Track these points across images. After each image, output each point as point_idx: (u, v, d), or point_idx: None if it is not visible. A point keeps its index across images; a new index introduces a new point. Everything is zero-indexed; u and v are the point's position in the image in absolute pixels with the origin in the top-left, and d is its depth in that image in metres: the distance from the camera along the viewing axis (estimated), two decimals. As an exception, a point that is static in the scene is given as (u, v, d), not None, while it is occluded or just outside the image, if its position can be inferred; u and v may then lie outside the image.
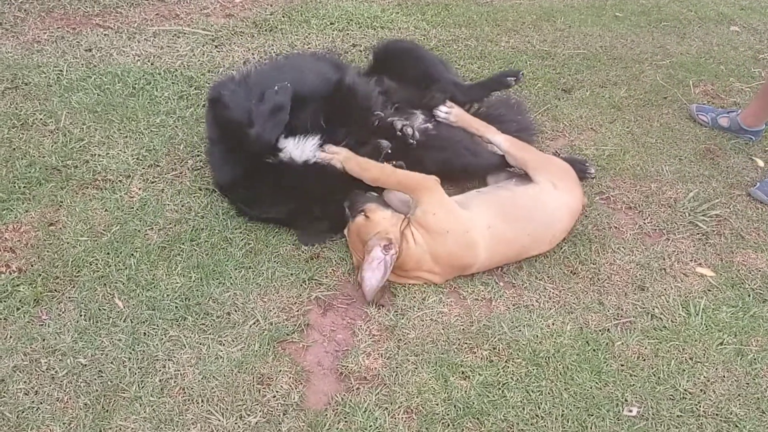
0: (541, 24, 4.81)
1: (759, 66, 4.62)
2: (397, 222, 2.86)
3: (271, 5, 4.61)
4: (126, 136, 3.36)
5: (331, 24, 4.47)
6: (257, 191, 2.97)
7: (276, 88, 2.92)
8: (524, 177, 3.20)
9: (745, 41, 4.95)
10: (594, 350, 2.70)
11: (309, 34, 4.34)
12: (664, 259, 3.15)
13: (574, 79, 4.25)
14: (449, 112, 3.31)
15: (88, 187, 3.08)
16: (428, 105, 3.30)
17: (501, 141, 3.26)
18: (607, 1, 5.27)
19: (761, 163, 3.74)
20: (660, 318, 2.87)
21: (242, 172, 2.94)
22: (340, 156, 2.96)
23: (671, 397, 2.57)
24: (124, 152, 3.27)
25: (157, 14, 4.40)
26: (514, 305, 2.87)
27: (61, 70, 3.73)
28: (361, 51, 4.23)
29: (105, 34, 4.12)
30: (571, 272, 3.05)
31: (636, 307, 2.92)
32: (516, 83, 3.52)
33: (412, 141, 3.06)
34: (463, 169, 3.24)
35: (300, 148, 2.91)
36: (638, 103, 4.12)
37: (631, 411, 2.53)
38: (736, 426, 2.51)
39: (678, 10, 5.26)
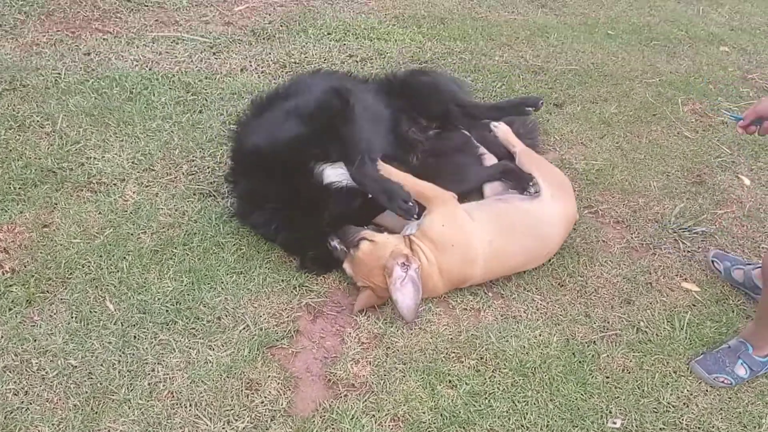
0: (534, 40, 4.88)
1: (747, 86, 4.70)
2: (400, 241, 2.88)
3: (270, 15, 4.66)
4: (122, 140, 3.39)
5: (328, 34, 4.53)
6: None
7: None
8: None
9: (735, 61, 5.04)
10: (580, 362, 2.74)
11: (306, 43, 4.39)
12: (650, 274, 3.20)
13: (566, 95, 4.32)
14: (497, 126, 3.52)
15: (82, 190, 3.10)
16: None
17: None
18: (600, 19, 5.36)
19: (747, 182, 3.81)
20: (645, 331, 2.91)
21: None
22: None
23: (655, 410, 2.61)
24: (120, 156, 3.30)
25: (156, 20, 4.45)
26: (502, 316, 2.91)
27: (59, 73, 3.76)
28: (357, 62, 4.28)
29: (104, 39, 4.15)
30: (559, 284, 3.09)
31: (622, 320, 2.96)
32: (535, 111, 3.57)
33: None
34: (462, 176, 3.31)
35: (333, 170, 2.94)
36: (628, 119, 4.18)
37: (615, 423, 2.56)
38: (718, 439, 2.55)
39: (669, 29, 5.36)
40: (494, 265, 2.95)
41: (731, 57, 5.13)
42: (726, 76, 4.80)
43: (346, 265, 2.88)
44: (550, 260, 3.16)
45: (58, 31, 4.15)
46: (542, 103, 3.55)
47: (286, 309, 2.77)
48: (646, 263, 3.25)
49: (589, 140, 3.96)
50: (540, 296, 3.02)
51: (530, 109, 3.53)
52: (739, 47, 5.27)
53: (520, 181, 3.24)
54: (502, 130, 3.52)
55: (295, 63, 4.17)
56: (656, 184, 3.70)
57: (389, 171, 2.95)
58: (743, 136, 4.01)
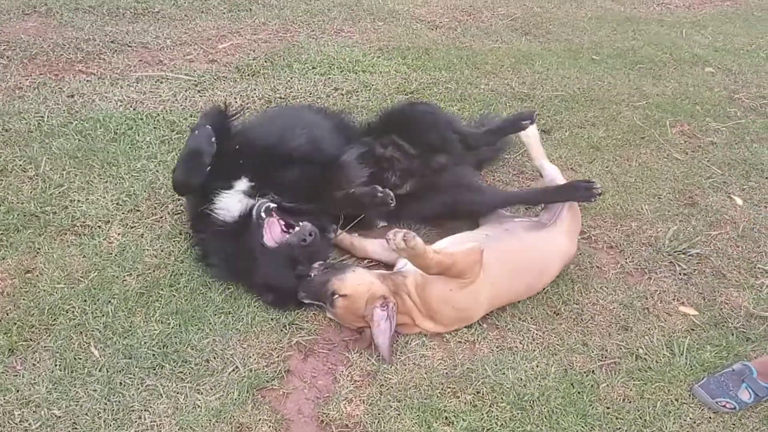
0: (519, 67, 4.89)
1: (735, 106, 4.71)
2: (373, 278, 2.82)
3: (254, 51, 4.66)
4: (106, 182, 3.34)
5: (313, 68, 4.52)
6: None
7: (196, 131, 2.95)
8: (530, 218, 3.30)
9: (720, 82, 5.05)
10: (579, 393, 2.67)
11: (291, 78, 4.37)
12: (646, 299, 3.15)
13: (553, 120, 4.31)
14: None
15: (66, 234, 3.04)
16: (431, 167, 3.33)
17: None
18: (584, 44, 5.39)
19: (740, 202, 3.78)
20: (644, 358, 2.85)
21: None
22: (412, 240, 2.58)
23: (657, 439, 2.55)
24: (104, 197, 3.25)
25: (140, 60, 4.43)
26: (497, 347, 2.84)
27: (42, 116, 3.72)
28: (342, 95, 4.27)
29: (87, 80, 4.13)
30: (554, 313, 3.03)
31: (620, 348, 2.90)
32: (532, 124, 3.44)
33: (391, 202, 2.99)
34: (467, 208, 3.28)
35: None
36: (616, 143, 4.17)
37: (617, 455, 2.49)
38: (724, 468, 2.48)
39: (653, 52, 5.39)
40: (496, 300, 2.92)
41: (716, 78, 5.15)
42: (712, 96, 4.81)
43: (330, 316, 2.83)
44: (544, 288, 3.11)
45: (41, 74, 4.12)
46: (537, 115, 3.50)
47: (276, 348, 2.70)
48: (642, 288, 3.20)
49: (579, 165, 3.94)
50: (536, 326, 2.96)
51: (527, 122, 3.43)
52: (724, 68, 5.30)
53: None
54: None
55: (280, 98, 4.15)
56: (648, 208, 3.67)
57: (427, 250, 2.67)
58: (733, 156, 4.01)
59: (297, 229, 2.84)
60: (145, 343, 2.63)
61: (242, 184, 2.97)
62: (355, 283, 2.76)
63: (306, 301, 2.82)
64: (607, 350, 2.88)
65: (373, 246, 3.16)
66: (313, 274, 2.82)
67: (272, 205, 2.90)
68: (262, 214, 2.87)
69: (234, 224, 2.91)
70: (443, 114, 3.64)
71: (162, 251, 3.04)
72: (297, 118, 3.33)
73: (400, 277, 2.84)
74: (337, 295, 2.72)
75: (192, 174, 2.93)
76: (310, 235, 2.80)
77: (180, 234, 3.12)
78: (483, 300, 2.85)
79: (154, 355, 2.60)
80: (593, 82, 4.81)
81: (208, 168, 2.92)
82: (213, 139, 2.92)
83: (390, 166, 3.27)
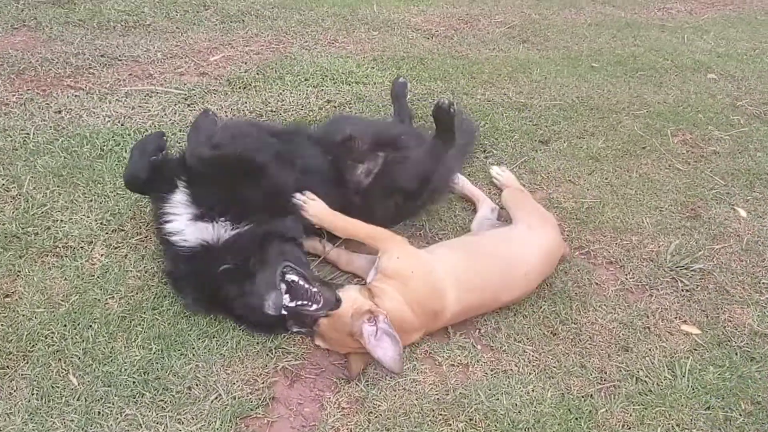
0: (516, 76, 4.79)
1: (738, 113, 4.60)
2: (353, 293, 2.74)
3: (246, 63, 4.58)
4: (90, 200, 3.26)
5: (305, 80, 4.43)
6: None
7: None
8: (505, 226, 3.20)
9: (723, 88, 4.95)
10: (577, 419, 2.57)
11: (283, 91, 4.29)
12: (647, 317, 3.05)
13: (551, 131, 4.21)
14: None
15: (47, 255, 2.96)
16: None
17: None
18: (583, 51, 5.29)
19: (743, 213, 3.68)
20: (645, 381, 2.75)
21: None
22: (315, 207, 2.90)
23: (659, 468, 2.44)
24: (88, 217, 3.16)
25: (130, 74, 4.35)
26: (492, 370, 2.74)
27: (27, 134, 3.64)
28: (335, 107, 4.18)
29: (75, 95, 4.05)
30: (551, 333, 2.93)
31: (620, 370, 2.80)
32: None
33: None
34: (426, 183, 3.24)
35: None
36: (616, 153, 4.07)
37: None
38: (728, 498, 2.37)
39: (654, 59, 5.28)
40: (469, 296, 2.81)
41: (719, 84, 5.04)
42: (715, 103, 4.71)
43: (318, 342, 2.73)
44: (540, 306, 3.02)
45: (29, 89, 4.04)
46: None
47: (261, 374, 2.61)
48: (643, 306, 3.10)
49: (577, 177, 3.84)
50: (532, 347, 2.86)
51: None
52: (726, 74, 5.19)
53: None
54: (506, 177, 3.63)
55: (271, 111, 4.07)
56: (649, 221, 3.57)
57: (337, 215, 2.93)
58: (736, 166, 3.90)
59: (318, 304, 2.56)
60: (125, 370, 2.54)
61: (179, 194, 2.79)
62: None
63: (295, 330, 2.71)
64: (606, 372, 2.78)
65: (359, 261, 3.09)
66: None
67: (295, 278, 2.60)
68: (283, 286, 2.59)
69: (198, 252, 2.73)
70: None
71: (146, 272, 2.95)
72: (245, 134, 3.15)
73: (375, 283, 2.77)
74: (321, 317, 2.62)
75: (137, 165, 2.90)
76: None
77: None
78: (446, 283, 2.75)
79: (134, 382, 2.51)
80: (592, 91, 4.71)
81: (151, 163, 2.88)
82: (164, 137, 3.01)
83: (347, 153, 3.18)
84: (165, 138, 3.03)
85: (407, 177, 3.18)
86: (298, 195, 2.93)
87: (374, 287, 2.75)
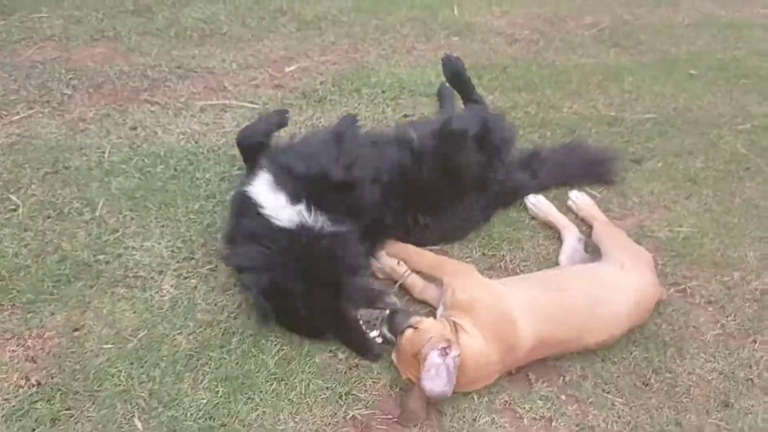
0: (607, 85, 4.48)
1: None
2: (444, 324, 2.60)
3: (322, 74, 4.45)
4: (162, 225, 3.21)
5: (382, 92, 4.27)
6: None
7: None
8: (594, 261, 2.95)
9: (839, 98, 4.48)
10: (672, 489, 2.33)
11: (359, 104, 4.14)
12: (750, 367, 2.77)
13: (645, 148, 3.90)
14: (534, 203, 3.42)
15: (117, 286, 2.92)
16: None
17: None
18: (680, 56, 4.91)
19: None
20: (749, 444, 2.48)
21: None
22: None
23: None
24: (159, 244, 3.11)
25: (205, 87, 4.30)
26: (577, 426, 2.53)
27: (103, 152, 3.63)
28: (413, 121, 4.00)
29: (152, 111, 4.02)
30: (643, 383, 2.69)
31: (720, 430, 2.53)
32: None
33: None
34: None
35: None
36: (717, 175, 3.73)
37: None
38: None
39: (759, 64, 4.85)
40: (547, 328, 2.61)
41: (834, 93, 4.57)
42: (828, 116, 4.26)
43: (393, 356, 2.63)
44: (631, 353, 2.79)
45: (106, 104, 4.04)
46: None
47: (330, 423, 2.48)
48: (746, 354, 2.82)
49: (673, 202, 3.53)
50: (621, 399, 2.62)
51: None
52: (842, 80, 4.71)
53: None
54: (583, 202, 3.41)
55: (346, 127, 3.93)
56: (754, 254, 3.25)
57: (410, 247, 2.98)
58: None
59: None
60: (191, 414, 2.47)
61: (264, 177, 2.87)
62: (433, 323, 2.61)
63: (379, 339, 2.69)
64: (704, 432, 2.52)
65: (433, 290, 2.93)
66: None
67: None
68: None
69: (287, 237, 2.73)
70: None
71: (215, 305, 2.87)
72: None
73: (453, 317, 2.65)
74: (410, 327, 2.56)
75: (258, 127, 3.17)
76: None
77: (234, 285, 2.95)
78: (519, 319, 2.57)
79: (199, 428, 2.43)
80: (691, 102, 4.34)
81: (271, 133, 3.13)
82: (288, 115, 3.29)
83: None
84: (288, 116, 3.30)
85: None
86: None
87: (456, 322, 2.60)
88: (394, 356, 2.63)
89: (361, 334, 2.68)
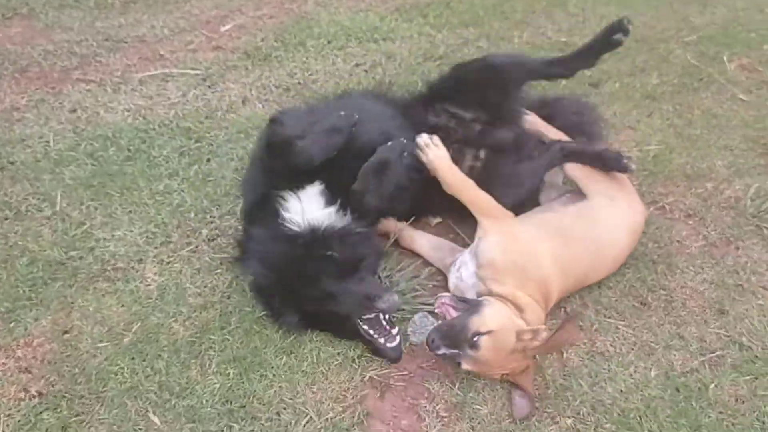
0: (552, 11, 4.46)
1: (792, 26, 4.29)
2: (507, 309, 2.45)
3: (261, 30, 4.25)
4: (130, 211, 3.04)
5: (328, 43, 4.13)
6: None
7: (342, 113, 2.68)
8: (576, 194, 2.90)
9: (771, 0, 4.60)
10: (687, 399, 2.42)
11: (307, 58, 3.99)
12: (738, 273, 2.87)
13: (600, 71, 3.91)
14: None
15: (98, 281, 2.76)
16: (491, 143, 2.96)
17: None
18: (618, -27, 4.90)
19: (822, 143, 3.44)
20: (749, 347, 2.59)
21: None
22: (436, 152, 2.70)
23: (785, 443, 2.30)
24: (131, 231, 2.95)
25: (140, 57, 4.05)
26: (587, 354, 2.58)
27: (47, 141, 3.39)
28: (365, 71, 3.90)
29: (88, 90, 3.77)
30: (641, 303, 2.76)
31: (720, 337, 2.63)
32: (626, 37, 2.91)
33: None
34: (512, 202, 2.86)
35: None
36: (673, 89, 3.80)
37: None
38: None
39: (694, -27, 4.90)
40: (566, 282, 2.63)
41: (765, -5, 4.69)
42: (765, 19, 4.38)
43: (467, 367, 2.38)
44: (624, 275, 2.84)
45: (37, 88, 3.76)
46: (630, 22, 2.90)
47: (349, 388, 2.45)
48: (731, 261, 2.91)
49: (637, 121, 3.58)
50: (624, 322, 2.69)
51: (619, 36, 2.89)
52: (770, -19, 4.83)
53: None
54: (530, 120, 3.09)
55: (299, 84, 3.79)
56: (722, 163, 3.34)
57: (454, 168, 2.71)
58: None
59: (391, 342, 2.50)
60: (206, 401, 2.39)
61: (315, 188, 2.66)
62: (498, 316, 2.39)
63: (440, 353, 2.35)
64: (706, 341, 2.61)
65: (421, 239, 2.92)
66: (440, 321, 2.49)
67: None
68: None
69: (302, 235, 2.57)
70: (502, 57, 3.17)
71: (205, 287, 2.76)
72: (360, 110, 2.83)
73: (504, 291, 2.51)
74: (479, 336, 2.32)
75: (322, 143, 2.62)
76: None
77: (221, 264, 2.84)
78: (546, 261, 2.57)
79: (218, 414, 2.35)
80: (636, 18, 4.30)
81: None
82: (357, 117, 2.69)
83: (446, 137, 2.84)
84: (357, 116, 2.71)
85: None
86: (424, 135, 2.73)
87: (516, 298, 2.48)
88: (468, 367, 2.38)
89: (373, 344, 2.51)
